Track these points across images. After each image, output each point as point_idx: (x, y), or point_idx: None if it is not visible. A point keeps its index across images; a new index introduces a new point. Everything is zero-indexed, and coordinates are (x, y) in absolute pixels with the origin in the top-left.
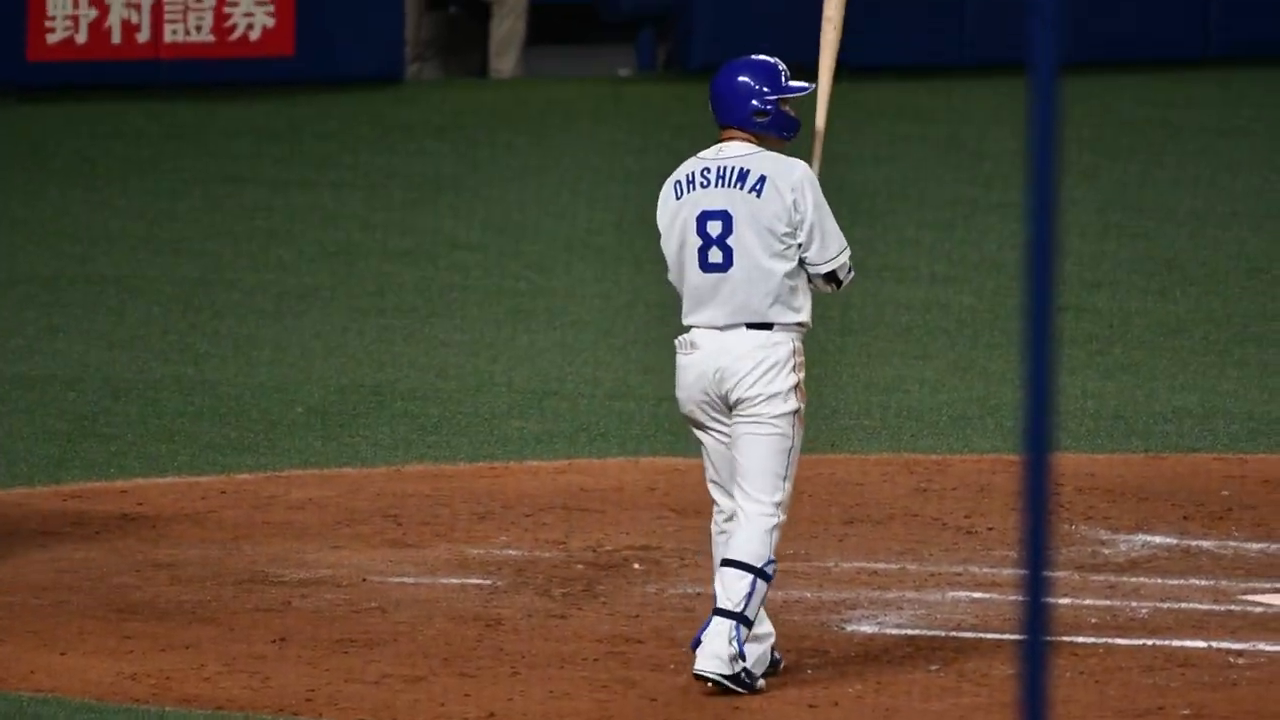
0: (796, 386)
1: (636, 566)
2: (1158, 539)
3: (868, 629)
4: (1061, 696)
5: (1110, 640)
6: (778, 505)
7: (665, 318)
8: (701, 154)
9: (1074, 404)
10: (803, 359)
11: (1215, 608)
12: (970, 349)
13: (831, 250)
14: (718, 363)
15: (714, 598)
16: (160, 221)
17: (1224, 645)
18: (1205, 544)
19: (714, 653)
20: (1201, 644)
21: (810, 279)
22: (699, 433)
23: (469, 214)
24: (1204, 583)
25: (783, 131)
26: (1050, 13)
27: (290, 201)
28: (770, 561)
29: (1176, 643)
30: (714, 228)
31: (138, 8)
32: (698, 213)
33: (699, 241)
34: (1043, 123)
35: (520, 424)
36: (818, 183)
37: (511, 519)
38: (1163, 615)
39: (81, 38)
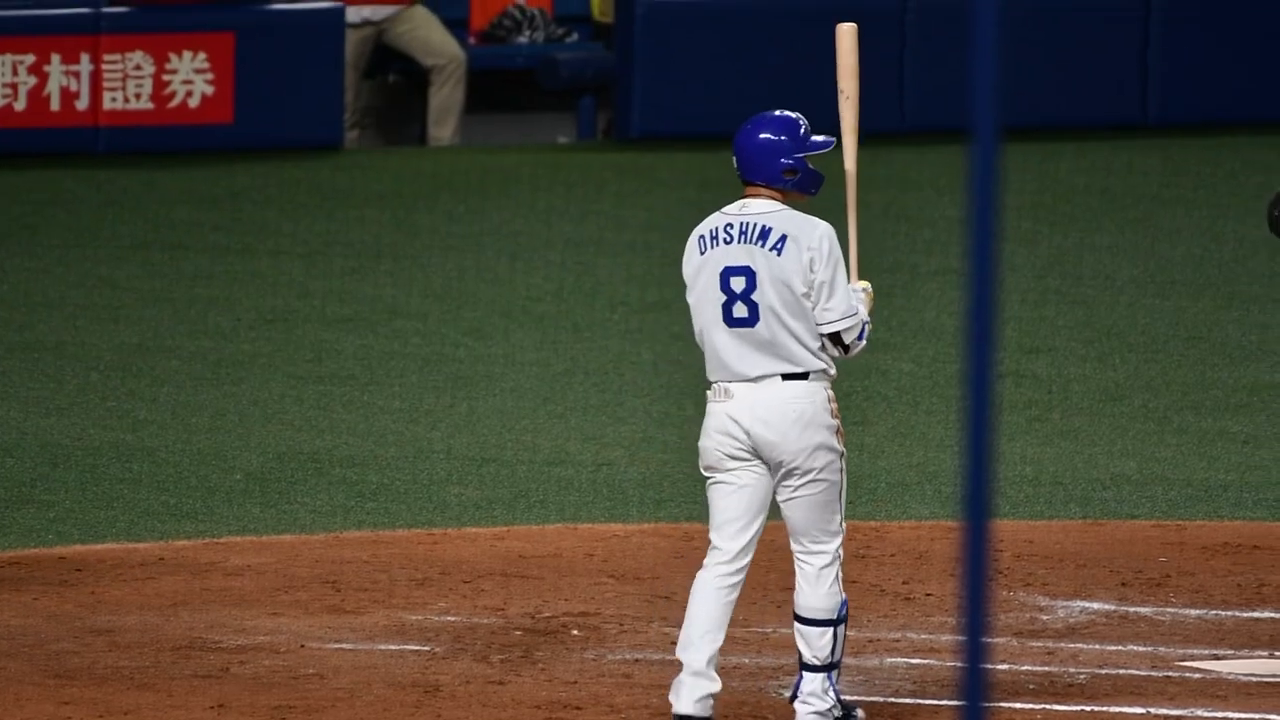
0: (836, 431)
1: (575, 633)
2: (1096, 605)
3: None
4: None
5: (1048, 706)
6: (836, 548)
7: (604, 385)
8: (726, 209)
9: (1013, 470)
10: (835, 405)
11: (1153, 674)
12: (909, 415)
13: (836, 311)
14: (753, 413)
15: (798, 653)
16: (99, 288)
17: (1162, 712)
18: (1143, 610)
19: (815, 710)
20: (1139, 710)
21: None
22: (715, 476)
23: (408, 281)
24: (1142, 649)
25: (810, 188)
26: (990, 81)
27: (229, 268)
28: (843, 603)
29: (1114, 709)
30: (737, 284)
31: (76, 75)
32: (721, 269)
33: (723, 297)
34: (982, 190)
35: (459, 490)
36: (838, 244)
37: (450, 585)
38: (1101, 681)
39: (20, 105)
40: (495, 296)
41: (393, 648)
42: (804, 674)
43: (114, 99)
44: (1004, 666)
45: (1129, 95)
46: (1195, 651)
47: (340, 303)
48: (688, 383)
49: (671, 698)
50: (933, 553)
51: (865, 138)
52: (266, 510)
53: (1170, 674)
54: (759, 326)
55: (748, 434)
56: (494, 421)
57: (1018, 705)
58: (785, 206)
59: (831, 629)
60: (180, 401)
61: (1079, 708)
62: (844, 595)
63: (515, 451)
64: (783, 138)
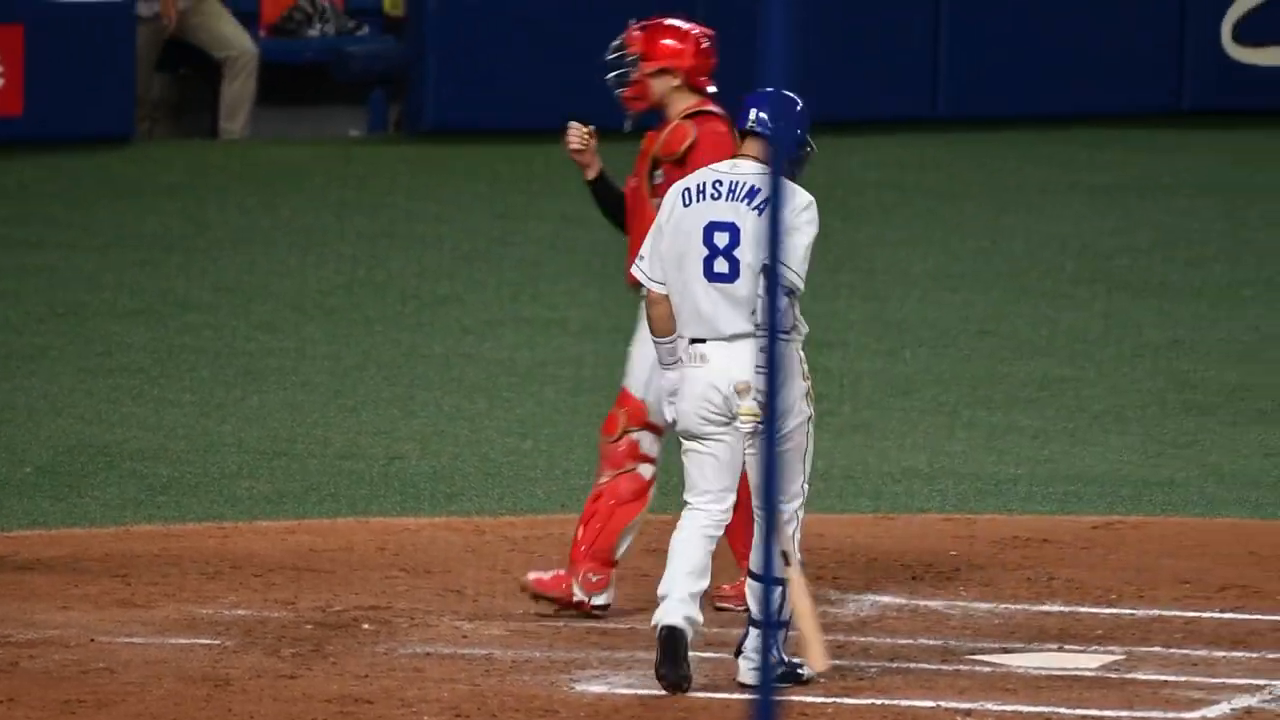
0: (806, 394)
1: (366, 627)
2: (886, 599)
3: (597, 689)
4: None
5: (839, 700)
6: (796, 510)
7: (395, 378)
8: (715, 166)
9: None
10: (806, 366)
11: (944, 667)
12: None
13: (792, 264)
14: (729, 375)
15: (747, 608)
16: None
17: (951, 705)
18: (934, 604)
19: (757, 666)
20: (929, 703)
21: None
22: (693, 443)
23: (199, 274)
24: (932, 642)
25: (798, 168)
26: (781, 75)
27: (19, 261)
28: (797, 563)
29: (905, 702)
30: (721, 239)
31: None
32: (704, 223)
33: (705, 251)
34: (774, 183)
35: (250, 484)
36: (817, 224)
37: (240, 579)
38: (891, 675)
39: None
40: (286, 290)
41: (183, 641)
42: (749, 629)
43: None
44: (795, 660)
45: (919, 90)
46: (985, 645)
47: (131, 296)
48: (479, 376)
49: (657, 616)
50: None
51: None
52: (56, 504)
53: (960, 667)
54: (738, 283)
55: (725, 398)
56: (285, 415)
57: (808, 699)
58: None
59: (781, 587)
60: None
61: (870, 701)
62: (799, 555)
63: (306, 445)
64: (804, 117)
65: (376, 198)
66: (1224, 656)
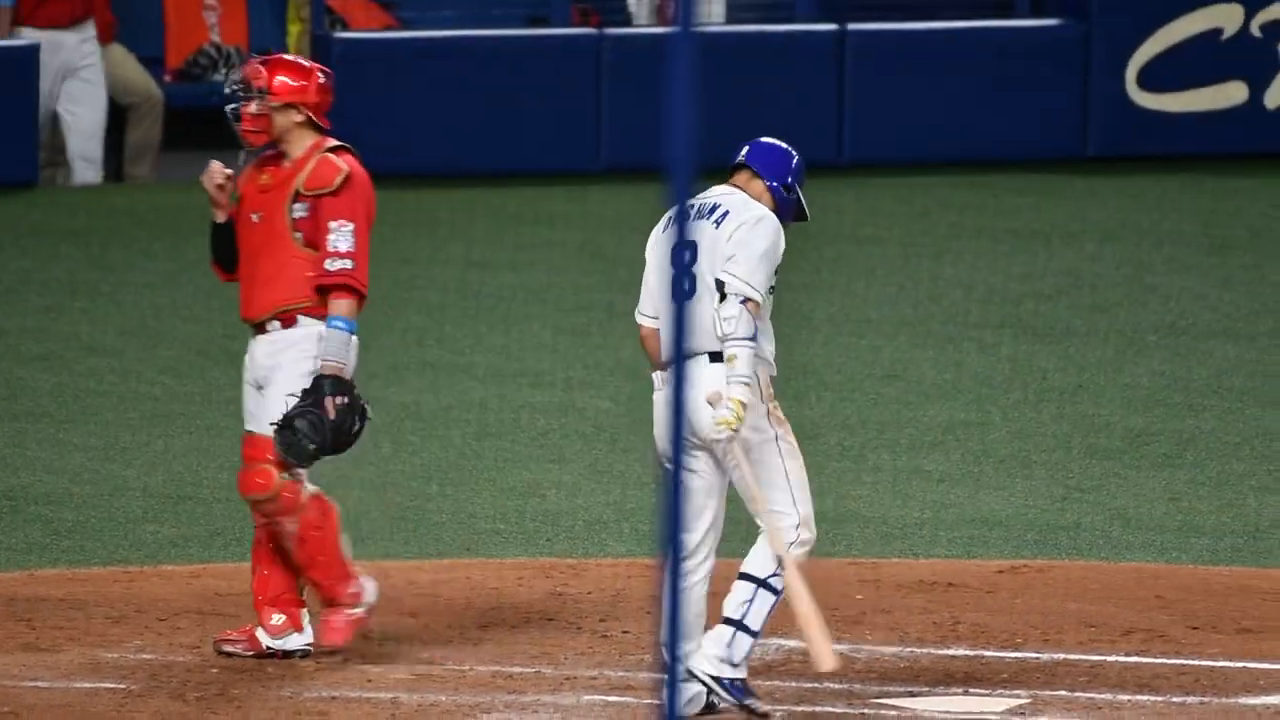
0: (766, 414)
1: (271, 670)
2: (792, 643)
3: None
4: None
5: None
6: (795, 527)
7: None
8: (697, 197)
9: None
10: (770, 390)
11: (849, 711)
12: (607, 453)
13: (734, 270)
14: (689, 403)
15: (723, 609)
16: None
17: None
18: (839, 648)
19: (708, 654)
20: None
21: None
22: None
23: (104, 319)
24: (838, 686)
25: (785, 212)
26: (686, 122)
27: None
28: (776, 575)
29: None
30: (687, 256)
31: None
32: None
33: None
34: (679, 228)
35: (155, 528)
36: (772, 238)
37: (145, 623)
38: (797, 719)
39: None
40: (191, 334)
41: (88, 685)
42: (718, 625)
43: None
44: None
45: (824, 135)
46: (891, 688)
47: (35, 340)
48: (385, 421)
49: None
50: (629, 590)
51: (561, 177)
52: None
53: (866, 711)
54: (696, 298)
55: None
56: (190, 459)
57: None
58: (741, 193)
59: (754, 587)
60: None
61: None
62: (781, 573)
63: (211, 489)
64: (800, 161)
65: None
66: (1129, 700)
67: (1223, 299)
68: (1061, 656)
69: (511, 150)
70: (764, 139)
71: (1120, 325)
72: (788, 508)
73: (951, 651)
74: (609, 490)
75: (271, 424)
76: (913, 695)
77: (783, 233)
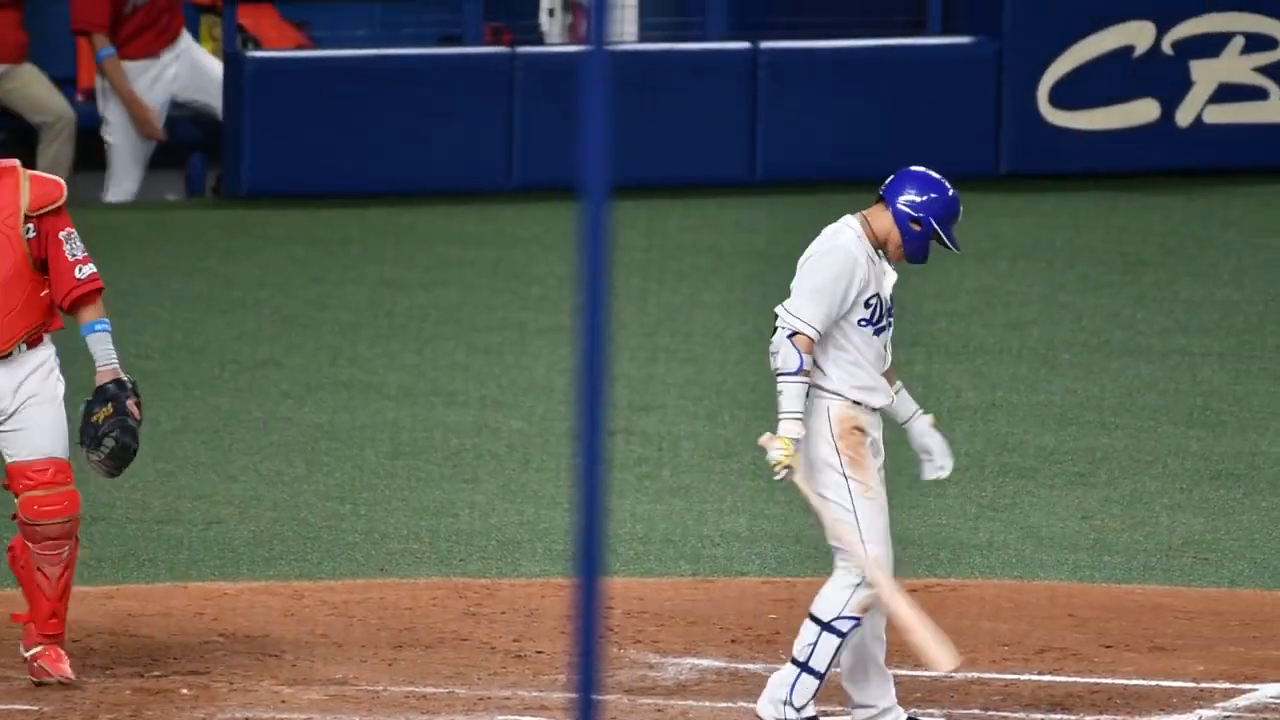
0: (837, 452)
1: (185, 692)
2: (706, 662)
3: None
4: None
5: None
6: (860, 568)
7: (213, 442)
8: None
9: (623, 527)
10: (848, 425)
11: None
12: (520, 473)
13: (787, 305)
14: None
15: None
16: None
17: None
18: (753, 667)
19: (767, 695)
20: None
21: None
22: None
23: None
24: (752, 706)
25: (912, 248)
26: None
27: None
28: (841, 618)
29: None
30: None
31: None
32: None
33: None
34: (593, 247)
35: None
36: (836, 269)
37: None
38: None
39: None
40: None
41: (0, 708)
42: (784, 666)
43: None
44: None
45: (737, 153)
46: None
47: None
48: (298, 440)
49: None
50: (544, 610)
51: (473, 196)
52: None
53: None
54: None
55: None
56: (102, 480)
57: None
58: (855, 228)
59: (818, 629)
60: None
61: None
62: (853, 614)
63: (125, 510)
64: (949, 197)
65: (194, 262)
66: (1042, 719)
67: (1135, 317)
68: (975, 675)
69: (424, 169)
70: (914, 168)
71: (1033, 343)
72: (859, 554)
73: None
74: (522, 510)
75: (87, 445)
76: (826, 715)
77: (863, 263)
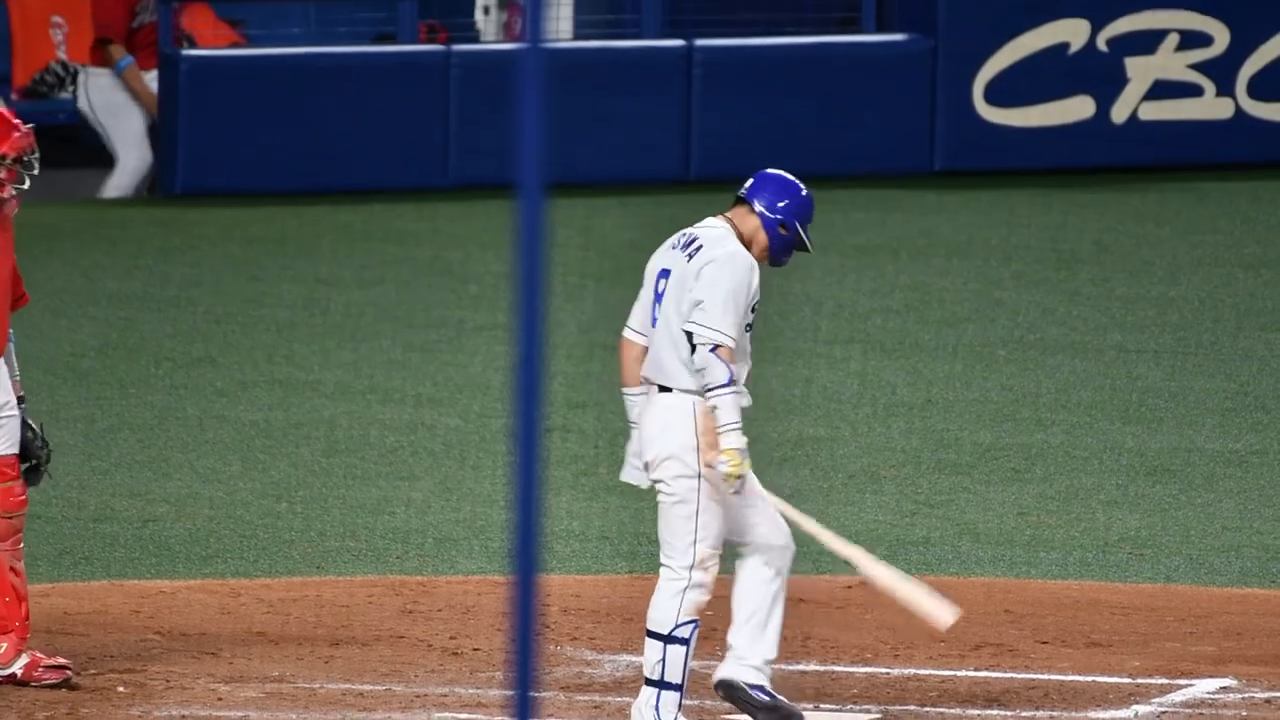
0: (695, 449)
1: (121, 690)
2: (642, 659)
3: None
4: None
5: None
6: (688, 569)
7: (149, 440)
8: (694, 226)
9: (560, 525)
10: (708, 426)
11: None
12: (457, 470)
13: (701, 320)
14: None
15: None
16: None
17: None
18: (691, 664)
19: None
20: None
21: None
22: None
23: None
24: (690, 703)
25: (778, 249)
26: (535, 138)
27: None
28: (683, 625)
29: None
30: (661, 285)
31: None
32: (657, 269)
33: (651, 297)
34: (529, 245)
35: None
36: (740, 276)
37: None
38: None
39: None
40: (39, 353)
41: None
42: (642, 688)
43: None
44: None
45: (671, 151)
46: None
47: None
48: (233, 438)
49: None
50: (480, 607)
51: (409, 194)
52: None
53: None
54: (658, 328)
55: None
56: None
57: None
58: (729, 232)
59: (662, 644)
60: None
61: None
62: (690, 618)
63: (60, 508)
64: (808, 198)
65: (129, 260)
66: (979, 715)
67: (1070, 313)
68: (912, 672)
69: (360, 167)
70: (771, 171)
71: (969, 340)
72: (686, 546)
73: (802, 667)
74: (459, 507)
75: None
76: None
77: (756, 269)
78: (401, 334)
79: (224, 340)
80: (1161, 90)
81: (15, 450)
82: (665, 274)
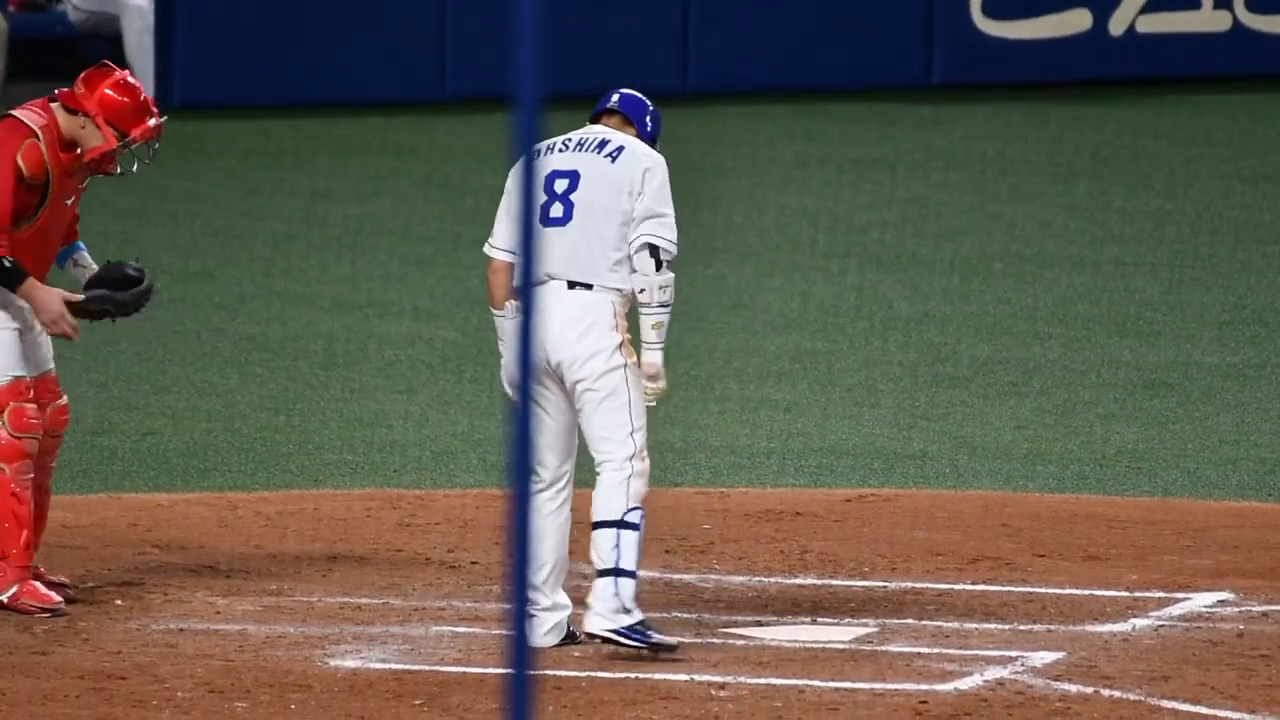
0: (620, 345)
1: (119, 603)
2: (640, 573)
3: (351, 664)
4: None
5: (593, 674)
6: (629, 459)
7: (147, 354)
8: (569, 134)
9: None
10: (625, 324)
11: (697, 641)
12: (454, 384)
13: (665, 234)
14: (548, 327)
15: (593, 563)
16: None
17: (706, 678)
18: (688, 577)
19: (598, 612)
20: (683, 677)
21: (632, 256)
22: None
23: None
24: (686, 616)
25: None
26: (532, 49)
27: None
28: (632, 510)
29: (659, 676)
30: (560, 185)
31: None
32: (547, 172)
33: (544, 198)
34: (527, 158)
35: None
36: (668, 178)
37: None
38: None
39: None
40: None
41: None
42: (595, 581)
43: None
44: None
45: (669, 64)
46: (739, 618)
47: None
48: (231, 352)
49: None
50: (478, 521)
51: (406, 106)
52: None
53: (714, 641)
54: (569, 226)
55: (542, 346)
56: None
57: (563, 673)
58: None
59: (615, 530)
60: None
61: (623, 675)
62: (637, 505)
63: None
64: (659, 119)
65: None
66: (976, 628)
67: (1067, 226)
68: (909, 585)
69: (357, 80)
70: (626, 90)
71: (966, 253)
72: (624, 438)
73: (799, 581)
74: (456, 421)
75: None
76: (760, 624)
77: None
78: (399, 248)
79: (221, 254)
80: (1159, 3)
81: (24, 372)
82: (565, 174)
